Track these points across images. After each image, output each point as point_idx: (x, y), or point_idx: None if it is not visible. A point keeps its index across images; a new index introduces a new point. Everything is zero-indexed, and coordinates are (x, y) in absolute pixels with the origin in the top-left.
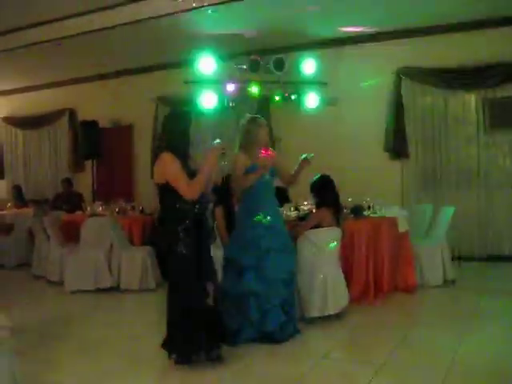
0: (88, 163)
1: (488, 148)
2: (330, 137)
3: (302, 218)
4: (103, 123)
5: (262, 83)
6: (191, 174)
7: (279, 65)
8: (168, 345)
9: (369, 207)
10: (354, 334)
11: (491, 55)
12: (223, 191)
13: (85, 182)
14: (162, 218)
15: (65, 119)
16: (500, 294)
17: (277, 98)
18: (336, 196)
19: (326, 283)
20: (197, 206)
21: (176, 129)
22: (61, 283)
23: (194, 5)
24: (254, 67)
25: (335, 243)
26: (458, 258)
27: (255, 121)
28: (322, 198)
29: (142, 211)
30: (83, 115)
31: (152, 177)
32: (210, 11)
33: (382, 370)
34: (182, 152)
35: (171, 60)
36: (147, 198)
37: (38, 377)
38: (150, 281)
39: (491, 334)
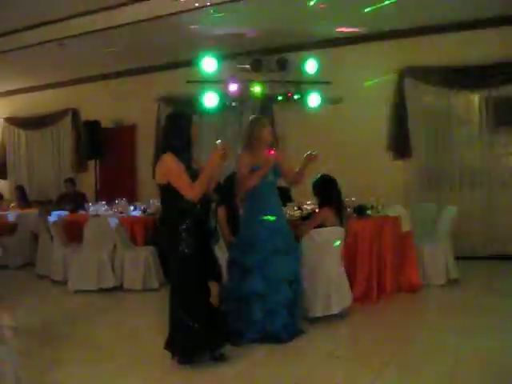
0: (91, 163)
1: (491, 147)
2: (333, 136)
3: (305, 218)
4: (106, 123)
5: (264, 83)
6: (193, 175)
7: (282, 64)
8: (171, 345)
9: (372, 206)
10: (357, 334)
11: (495, 54)
12: (226, 191)
13: (88, 182)
14: (164, 218)
15: (67, 119)
16: (504, 293)
17: (280, 97)
18: (338, 195)
19: (329, 283)
20: (198, 206)
21: (177, 129)
22: (64, 283)
23: (196, 4)
24: (257, 67)
25: (339, 242)
26: (461, 258)
27: (259, 121)
28: (324, 198)
29: (144, 211)
30: (86, 115)
31: (154, 177)
32: (212, 11)
33: (385, 369)
34: (183, 152)
35: (174, 60)
36: (150, 197)
37: (41, 376)
38: (153, 281)
39: (495, 332)
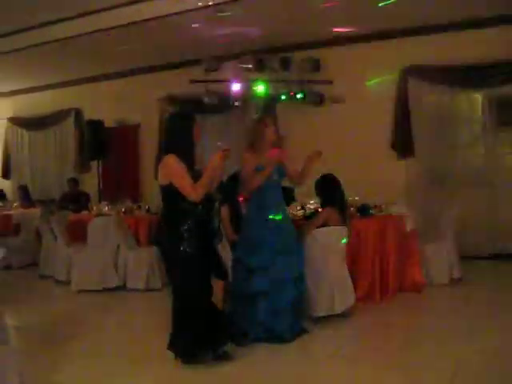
0: (94, 163)
1: (495, 146)
2: (336, 135)
3: (308, 217)
4: (109, 123)
5: (267, 82)
6: (196, 176)
7: (285, 64)
8: (173, 346)
9: (375, 206)
10: (360, 334)
11: (498, 53)
12: (229, 190)
13: (91, 182)
14: (166, 217)
15: (71, 119)
16: (508, 293)
17: (283, 96)
18: (341, 195)
19: (332, 283)
20: (200, 207)
21: (179, 130)
22: (68, 283)
23: (199, 4)
24: (260, 66)
25: (344, 240)
26: (464, 257)
27: (263, 120)
28: (327, 197)
29: (148, 210)
30: (89, 115)
31: (156, 177)
32: (218, 14)
33: (389, 369)
34: (185, 153)
35: (177, 59)
36: (153, 197)
37: (45, 376)
38: (156, 280)
39: (499, 332)
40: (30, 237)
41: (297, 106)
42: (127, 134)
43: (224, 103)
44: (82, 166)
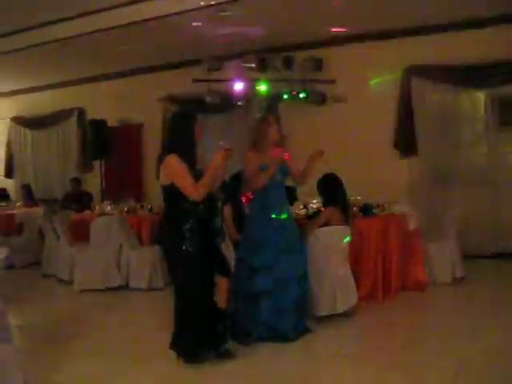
0: (96, 163)
1: (498, 145)
2: (339, 134)
3: (311, 217)
4: (112, 123)
5: (270, 81)
6: (197, 175)
7: (287, 63)
8: (175, 345)
9: (378, 205)
10: (363, 333)
11: (502, 53)
12: (232, 189)
13: (93, 182)
14: (167, 217)
15: (73, 119)
16: (510, 291)
17: (285, 96)
18: (343, 194)
19: (335, 282)
20: (201, 207)
21: (180, 129)
22: (70, 282)
23: (201, 3)
24: (262, 66)
25: (347, 239)
26: (467, 256)
27: (265, 119)
28: (328, 197)
29: (150, 210)
30: (92, 114)
31: (157, 178)
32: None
33: (391, 368)
34: (187, 153)
35: (180, 59)
36: (156, 197)
37: (47, 375)
38: (159, 280)
39: (501, 331)
40: (33, 236)
41: (299, 105)
42: (130, 134)
43: (226, 103)
44: (85, 165)
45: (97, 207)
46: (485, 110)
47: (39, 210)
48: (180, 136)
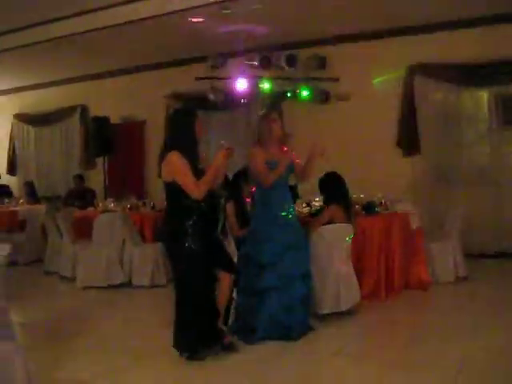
0: (99, 160)
1: (501, 145)
2: (342, 133)
3: (314, 215)
4: (115, 120)
5: (273, 79)
6: (199, 173)
7: (291, 61)
8: (177, 343)
9: (381, 203)
10: (365, 331)
11: (504, 51)
12: (234, 186)
13: (97, 179)
14: (169, 214)
15: (76, 116)
16: None
17: (288, 94)
18: (345, 192)
19: (337, 280)
20: (202, 204)
21: (181, 126)
22: (73, 279)
23: (205, 1)
24: (266, 63)
25: (351, 236)
26: (469, 255)
27: (268, 115)
28: (330, 195)
29: (153, 207)
30: (95, 111)
31: (159, 175)
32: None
33: (394, 367)
34: (188, 150)
35: (183, 56)
36: (159, 194)
37: (50, 372)
38: (161, 277)
39: (504, 331)
40: (36, 233)
41: (302, 103)
42: (133, 131)
43: (229, 100)
44: (88, 162)
45: (100, 204)
46: (488, 108)
47: (42, 207)
48: (181, 132)
